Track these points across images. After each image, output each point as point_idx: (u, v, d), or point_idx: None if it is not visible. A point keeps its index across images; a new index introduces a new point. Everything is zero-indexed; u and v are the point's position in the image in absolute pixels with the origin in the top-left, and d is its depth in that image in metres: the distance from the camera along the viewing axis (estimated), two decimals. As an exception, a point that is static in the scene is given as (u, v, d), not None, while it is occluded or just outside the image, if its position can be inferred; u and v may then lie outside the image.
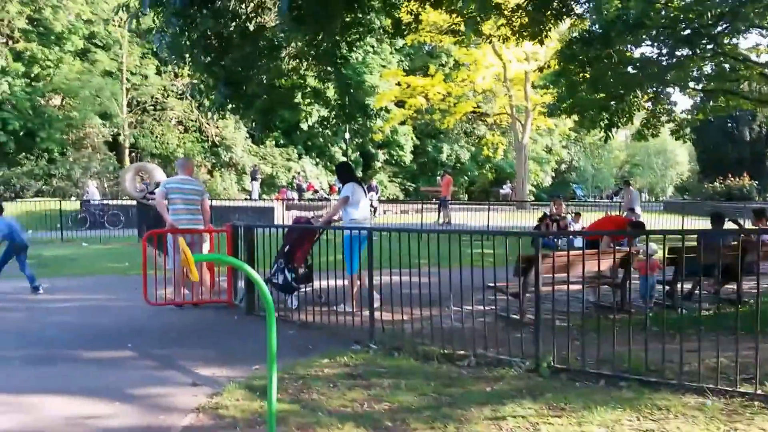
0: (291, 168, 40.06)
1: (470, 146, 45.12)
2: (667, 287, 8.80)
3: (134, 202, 23.78)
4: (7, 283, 11.47)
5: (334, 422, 4.26)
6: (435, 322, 6.76)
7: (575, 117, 20.50)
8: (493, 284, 7.80)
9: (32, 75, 34.22)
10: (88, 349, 6.54)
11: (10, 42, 34.18)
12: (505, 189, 34.80)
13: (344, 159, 38.63)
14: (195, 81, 11.22)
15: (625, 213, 19.86)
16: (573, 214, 18.82)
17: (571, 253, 7.90)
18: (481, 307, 8.05)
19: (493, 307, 7.99)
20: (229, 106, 9.73)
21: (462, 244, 7.12)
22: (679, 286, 8.52)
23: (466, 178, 45.94)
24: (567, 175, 51.28)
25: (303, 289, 8.73)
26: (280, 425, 3.95)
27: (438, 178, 26.36)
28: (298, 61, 11.69)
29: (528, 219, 24.64)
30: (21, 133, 33.38)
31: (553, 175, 48.48)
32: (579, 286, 7.36)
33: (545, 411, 4.32)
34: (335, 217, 8.95)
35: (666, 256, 7.94)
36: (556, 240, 15.50)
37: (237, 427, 4.30)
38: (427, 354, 6.05)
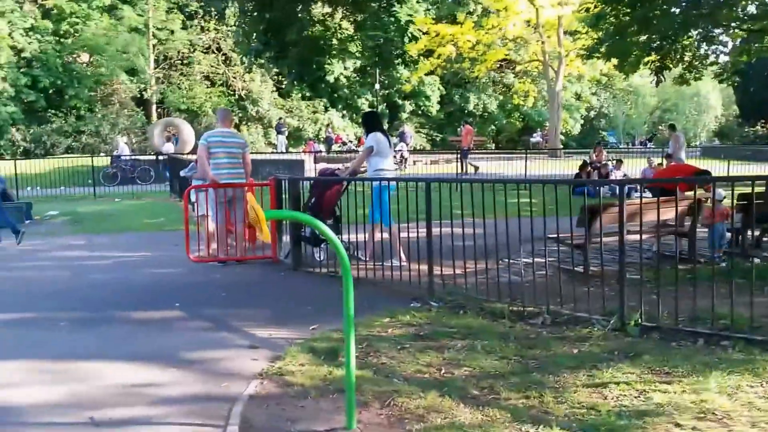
0: (318, 120, 39.44)
1: (498, 95, 44.05)
2: (730, 235, 8.27)
3: (164, 157, 23.48)
4: (42, 240, 11.22)
5: (414, 390, 3.84)
6: (493, 276, 6.31)
7: (614, 60, 19.69)
8: (554, 235, 7.33)
9: (60, 32, 33.78)
10: (135, 309, 6.19)
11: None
12: (536, 137, 33.83)
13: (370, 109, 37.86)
14: (233, 26, 10.81)
15: (662, 161, 19.13)
16: (614, 161, 18.13)
17: (637, 201, 7.35)
18: (539, 260, 7.56)
19: (553, 260, 7.56)
20: (266, 55, 9.26)
21: (497, 193, 6.64)
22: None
23: (493, 127, 45.00)
24: (596, 123, 50.04)
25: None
26: (356, 394, 3.54)
27: (459, 128, 25.48)
28: (333, 8, 11.17)
29: (562, 167, 23.96)
30: (50, 91, 33.16)
31: (582, 122, 47.27)
32: (639, 237, 6.85)
33: (649, 376, 3.85)
34: (360, 168, 8.53)
35: (735, 203, 7.39)
36: (597, 189, 14.93)
37: (308, 395, 3.90)
38: (495, 311, 5.60)
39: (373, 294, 6.52)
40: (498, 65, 34.27)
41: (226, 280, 7.50)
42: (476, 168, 23.01)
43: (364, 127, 8.79)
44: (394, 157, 25.43)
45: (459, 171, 22.93)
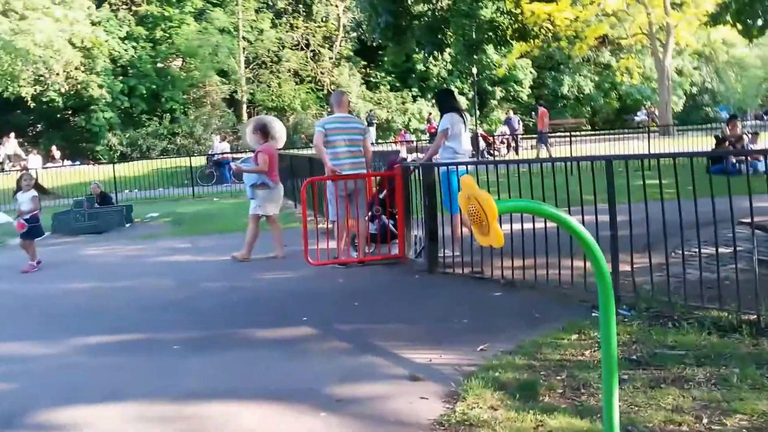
0: (407, 111, 38.31)
1: (593, 75, 41.61)
2: None
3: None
4: (145, 244, 10.55)
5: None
6: (677, 274, 4.97)
7: (739, 25, 17.68)
8: (747, 219, 5.88)
9: (155, 38, 33.99)
10: (256, 326, 5.19)
11: (133, 7, 33.93)
12: (640, 116, 31.34)
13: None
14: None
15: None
16: (750, 135, 16.16)
17: None
18: (723, 250, 6.10)
19: (741, 249, 6.10)
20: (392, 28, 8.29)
21: (617, 175, 5.31)
22: None
23: (588, 108, 42.54)
24: (699, 98, 46.61)
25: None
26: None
27: (534, 113, 23.83)
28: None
29: (679, 145, 21.88)
30: (146, 95, 33.44)
31: (684, 99, 44.06)
32: None
33: None
34: (436, 156, 7.50)
35: None
36: (738, 164, 13.15)
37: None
38: (718, 323, 4.25)
39: (537, 300, 5.28)
40: (594, 44, 31.97)
41: (353, 285, 6.42)
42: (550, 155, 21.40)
43: (439, 107, 7.90)
44: (493, 142, 24.08)
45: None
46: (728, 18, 16.79)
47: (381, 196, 7.60)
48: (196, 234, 11.23)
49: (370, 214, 7.57)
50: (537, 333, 4.43)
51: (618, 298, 4.96)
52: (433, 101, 39.17)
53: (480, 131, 25.10)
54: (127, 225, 13.03)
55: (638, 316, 4.62)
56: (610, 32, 31.05)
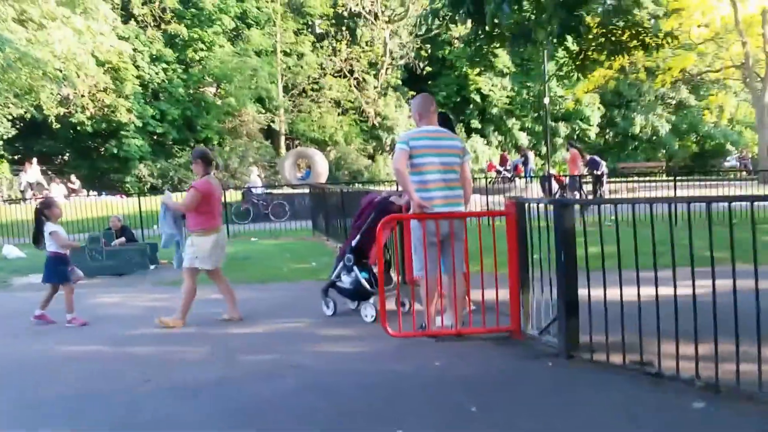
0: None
1: (668, 115, 39.68)
2: None
3: (304, 190, 21.64)
4: (172, 293, 9.04)
5: None
6: None
7: None
8: None
9: (186, 60, 33.31)
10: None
11: (162, 24, 33.37)
12: (731, 161, 29.15)
13: (525, 136, 34.80)
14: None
15: None
16: None
17: None
18: None
19: None
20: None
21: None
22: None
23: (663, 152, 40.52)
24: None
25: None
26: None
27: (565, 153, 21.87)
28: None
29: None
30: (178, 123, 32.69)
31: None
32: None
33: None
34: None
35: None
36: None
37: None
38: None
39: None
40: (677, 77, 30.16)
41: (459, 374, 4.77)
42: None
43: None
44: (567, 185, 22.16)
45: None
46: None
47: (354, 243, 6.48)
48: (234, 282, 9.70)
49: (341, 264, 6.57)
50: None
51: None
52: (495, 134, 37.54)
53: (553, 172, 23.39)
54: (152, 267, 11.70)
55: None
56: (696, 64, 29.15)
